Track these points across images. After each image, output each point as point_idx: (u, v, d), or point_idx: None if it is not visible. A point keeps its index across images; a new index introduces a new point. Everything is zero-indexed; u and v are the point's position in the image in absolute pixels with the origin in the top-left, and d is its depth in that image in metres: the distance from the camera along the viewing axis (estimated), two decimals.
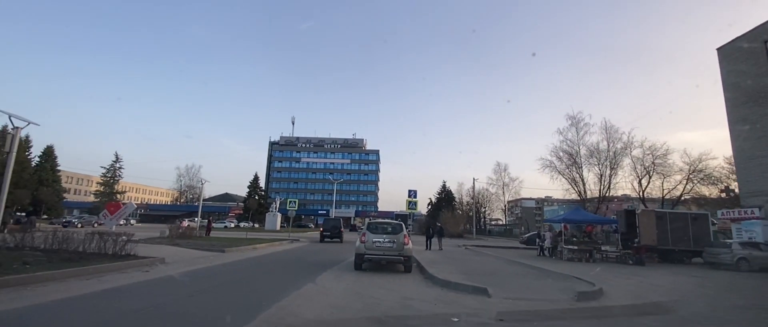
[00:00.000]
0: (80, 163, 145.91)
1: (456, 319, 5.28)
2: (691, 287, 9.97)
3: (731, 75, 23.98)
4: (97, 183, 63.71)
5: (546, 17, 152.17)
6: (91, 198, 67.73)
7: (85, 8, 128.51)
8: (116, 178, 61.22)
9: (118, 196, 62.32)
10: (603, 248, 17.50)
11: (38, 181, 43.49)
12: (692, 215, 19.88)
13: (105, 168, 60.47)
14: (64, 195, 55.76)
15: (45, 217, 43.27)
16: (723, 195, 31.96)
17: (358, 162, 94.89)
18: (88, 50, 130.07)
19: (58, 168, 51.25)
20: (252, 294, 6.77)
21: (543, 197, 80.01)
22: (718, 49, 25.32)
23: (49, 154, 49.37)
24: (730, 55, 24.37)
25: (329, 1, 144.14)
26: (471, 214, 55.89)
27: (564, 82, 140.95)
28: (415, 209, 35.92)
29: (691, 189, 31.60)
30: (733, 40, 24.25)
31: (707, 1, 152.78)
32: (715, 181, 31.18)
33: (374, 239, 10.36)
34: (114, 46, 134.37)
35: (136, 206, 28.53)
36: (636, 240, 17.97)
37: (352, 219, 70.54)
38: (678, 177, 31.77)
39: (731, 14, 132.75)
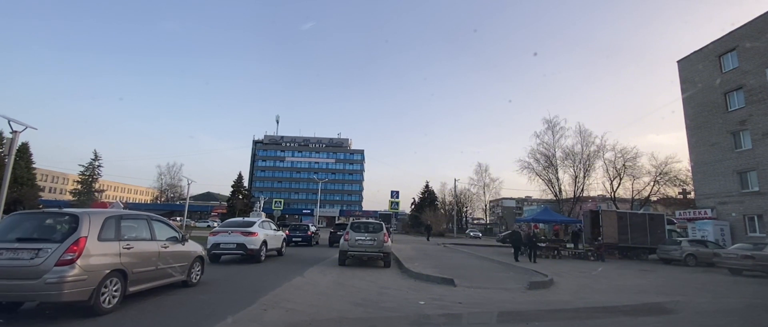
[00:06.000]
0: (51, 160, 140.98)
1: (422, 302, 6.36)
2: (632, 280, 11.35)
3: (688, 86, 25.96)
4: (75, 181, 62.29)
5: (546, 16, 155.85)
6: (68, 197, 66.04)
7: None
8: (95, 176, 60.08)
9: (97, 194, 61.15)
10: (567, 246, 19.00)
11: (14, 180, 42.48)
12: (650, 215, 21.52)
13: (83, 166, 59.35)
14: (40, 194, 54.39)
15: None
16: (680, 197, 34.24)
17: (343, 161, 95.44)
18: (61, 45, 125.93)
19: (33, 166, 50.07)
20: (248, 285, 7.65)
21: (523, 197, 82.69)
22: (678, 62, 27.17)
23: (23, 151, 48.08)
24: (687, 67, 26.27)
25: (325, 1, 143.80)
26: (453, 213, 57.62)
27: (551, 84, 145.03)
28: (398, 209, 37.04)
29: (657, 190, 33.35)
30: (690, 54, 26.20)
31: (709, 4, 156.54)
32: (680, 184, 33.29)
33: (357, 237, 11.36)
34: (87, 41, 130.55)
35: (123, 205, 28.53)
36: (600, 238, 19.55)
37: (337, 218, 71.28)
38: (647, 179, 33.28)
39: (733, 16, 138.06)
